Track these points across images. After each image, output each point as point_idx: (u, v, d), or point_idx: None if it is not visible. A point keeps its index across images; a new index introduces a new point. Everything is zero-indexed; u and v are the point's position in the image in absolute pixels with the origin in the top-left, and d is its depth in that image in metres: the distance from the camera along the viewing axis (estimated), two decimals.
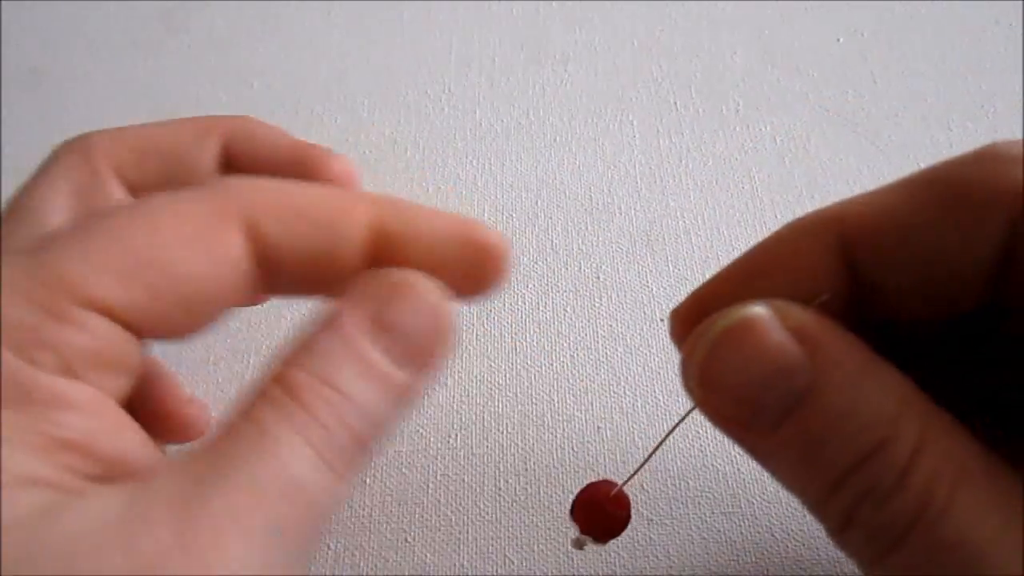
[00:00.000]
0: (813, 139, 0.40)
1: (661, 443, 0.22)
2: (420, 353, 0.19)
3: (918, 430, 0.17)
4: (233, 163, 0.28)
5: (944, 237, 0.18)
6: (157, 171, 0.27)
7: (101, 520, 0.15)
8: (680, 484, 0.29)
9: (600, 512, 0.23)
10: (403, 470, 0.30)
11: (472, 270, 0.20)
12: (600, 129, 0.42)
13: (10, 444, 0.15)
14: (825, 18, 0.46)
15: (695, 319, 0.19)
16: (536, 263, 0.36)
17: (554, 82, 0.44)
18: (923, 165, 0.19)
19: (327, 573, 0.28)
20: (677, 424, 0.21)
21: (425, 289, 0.19)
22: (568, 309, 0.35)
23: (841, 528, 0.18)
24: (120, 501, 0.15)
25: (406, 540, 0.29)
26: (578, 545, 0.23)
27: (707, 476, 0.29)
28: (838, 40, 0.45)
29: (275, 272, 0.19)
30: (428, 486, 0.30)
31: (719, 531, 0.28)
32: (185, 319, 0.18)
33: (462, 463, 0.31)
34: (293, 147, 0.28)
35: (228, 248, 0.18)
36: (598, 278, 0.36)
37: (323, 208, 0.19)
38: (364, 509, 0.30)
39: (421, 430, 0.31)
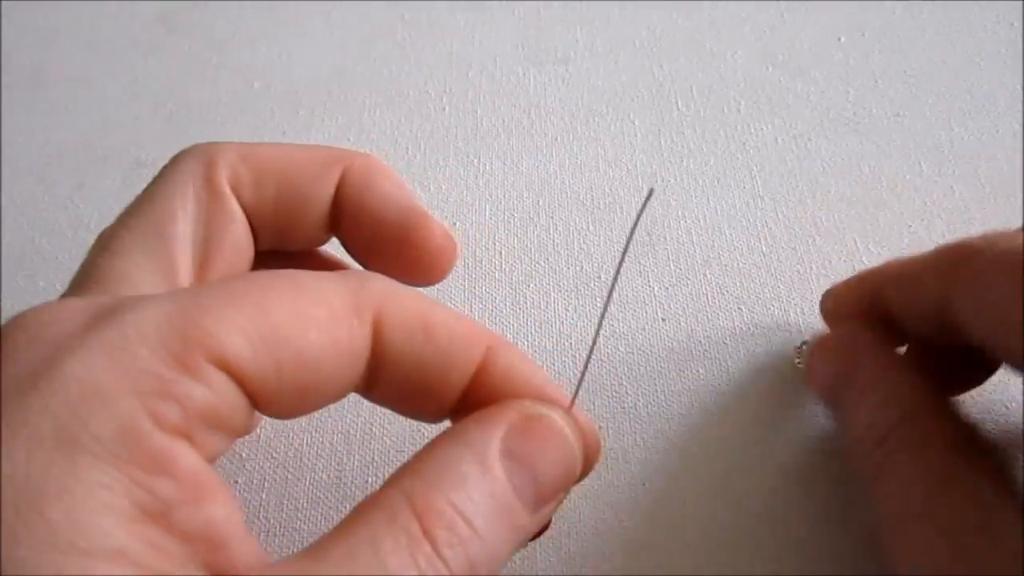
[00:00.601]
0: (814, 139, 0.40)
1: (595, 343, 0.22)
2: (551, 495, 0.19)
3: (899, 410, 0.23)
4: (342, 202, 0.26)
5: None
6: (274, 197, 0.25)
7: None
8: (682, 484, 0.29)
9: None
10: None
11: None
12: (601, 129, 0.42)
13: (106, 510, 0.15)
14: (827, 18, 0.46)
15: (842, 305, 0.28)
16: (537, 263, 0.36)
17: (555, 82, 0.44)
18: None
19: None
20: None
21: (563, 427, 0.19)
22: (570, 309, 0.35)
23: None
24: None
25: None
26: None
27: (708, 475, 0.29)
28: (839, 40, 0.45)
29: (382, 377, 0.19)
30: None
31: (721, 531, 0.28)
32: (297, 400, 0.18)
33: None
34: (404, 206, 0.26)
35: (357, 342, 0.19)
36: (600, 278, 0.36)
37: (449, 330, 0.20)
38: None
39: (423, 429, 0.31)
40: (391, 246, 0.26)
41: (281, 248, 0.27)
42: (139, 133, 0.43)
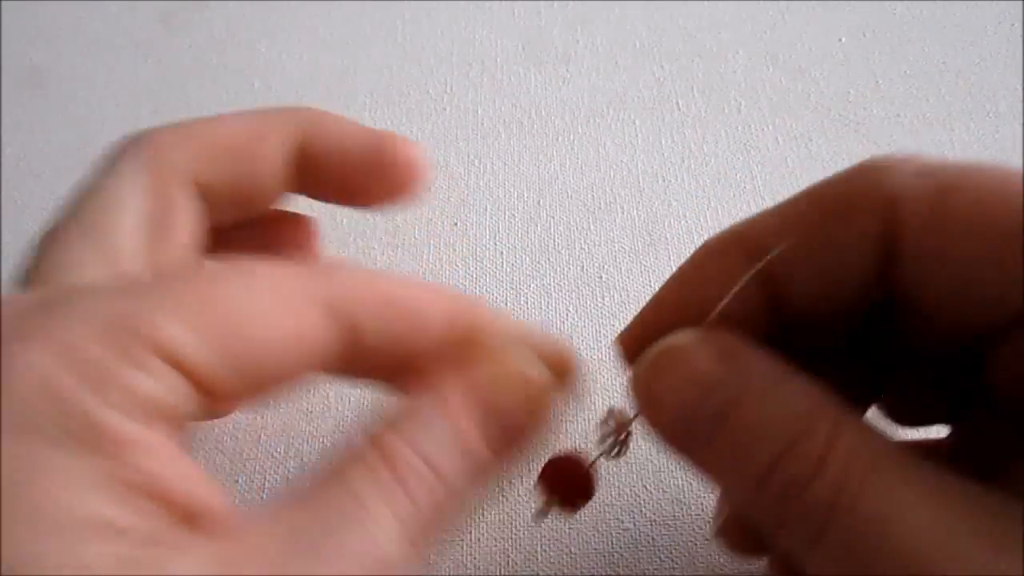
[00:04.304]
0: (815, 139, 0.40)
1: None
2: (514, 437, 0.19)
3: (830, 425, 0.18)
4: (306, 159, 0.27)
5: (829, 247, 0.20)
6: (230, 172, 0.25)
7: None
8: (683, 485, 0.29)
9: (569, 473, 0.23)
10: None
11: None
12: (602, 129, 0.42)
13: (83, 487, 0.15)
14: (827, 18, 0.46)
15: (637, 344, 0.21)
16: (538, 263, 0.36)
17: (556, 82, 0.44)
18: None
19: None
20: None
21: (529, 374, 0.20)
22: (571, 309, 0.35)
23: (776, 525, 0.18)
24: (214, 561, 0.15)
25: None
26: (541, 516, 0.22)
27: None
28: (840, 40, 0.45)
29: (358, 361, 0.19)
30: None
31: None
32: (249, 390, 0.18)
33: None
34: (364, 137, 0.27)
35: (317, 332, 0.18)
36: (600, 278, 0.36)
37: (419, 305, 0.20)
38: None
39: None
40: (361, 175, 0.26)
41: (243, 217, 0.27)
42: None
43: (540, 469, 0.23)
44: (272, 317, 0.18)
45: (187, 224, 0.25)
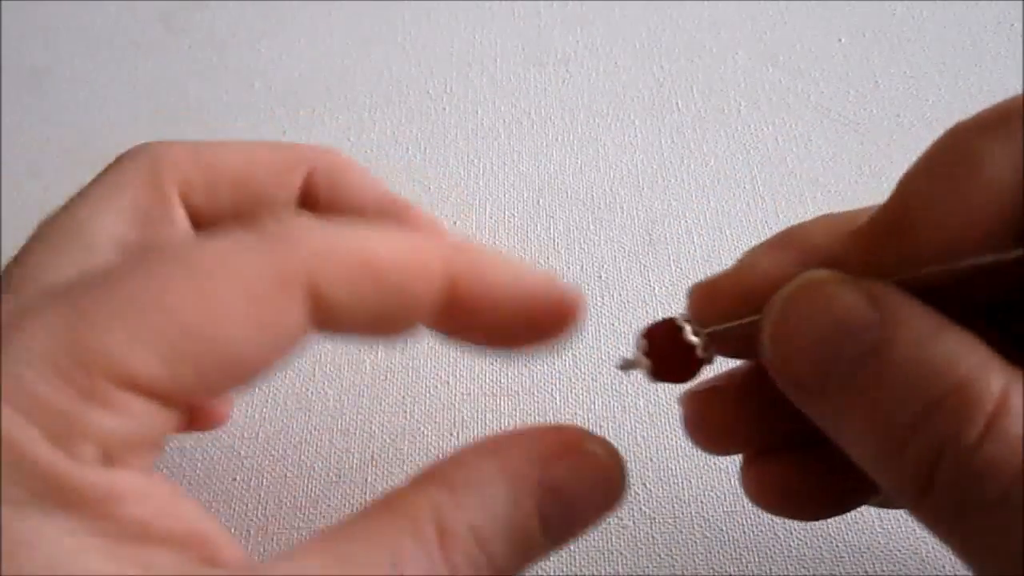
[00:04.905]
0: (815, 139, 0.40)
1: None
2: (575, 527, 0.18)
3: (1003, 382, 0.15)
4: (313, 204, 0.24)
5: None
6: (230, 201, 0.23)
7: None
8: (683, 483, 0.29)
9: (680, 345, 0.20)
10: (404, 468, 0.30)
11: (545, 325, 0.19)
12: (602, 129, 0.42)
13: (74, 553, 0.14)
14: (827, 19, 0.46)
15: (714, 296, 0.20)
16: (538, 262, 0.36)
17: (555, 82, 0.44)
18: None
19: None
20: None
21: (605, 461, 0.18)
22: None
23: (922, 491, 0.16)
24: None
25: None
26: (627, 365, 0.20)
27: (710, 475, 0.29)
28: (840, 41, 0.45)
29: (331, 327, 0.17)
30: None
31: (722, 530, 0.28)
32: (222, 388, 0.17)
33: None
34: (379, 199, 0.25)
35: (286, 317, 0.16)
36: (600, 277, 0.36)
37: (395, 266, 0.17)
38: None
39: (422, 428, 0.31)
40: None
41: None
42: (139, 133, 0.43)
43: (650, 327, 0.20)
44: (228, 309, 0.16)
45: (182, 222, 0.24)
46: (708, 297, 0.20)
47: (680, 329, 0.20)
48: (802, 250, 0.19)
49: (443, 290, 0.18)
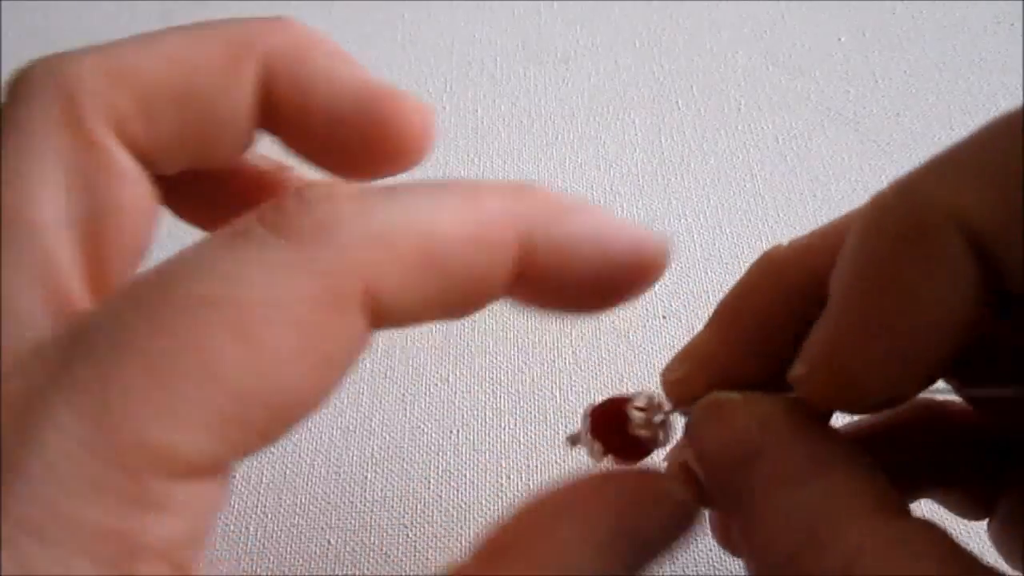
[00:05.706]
0: (815, 138, 0.40)
1: None
2: (654, 561, 0.17)
3: (858, 536, 0.15)
4: (275, 103, 0.19)
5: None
6: (174, 125, 0.18)
7: None
8: None
9: (617, 424, 0.20)
10: (404, 466, 0.30)
11: (632, 283, 0.17)
12: (602, 128, 0.42)
13: None
14: (827, 18, 0.46)
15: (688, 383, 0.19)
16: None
17: (555, 81, 0.44)
18: None
19: (328, 571, 0.28)
20: None
21: (679, 497, 0.17)
22: None
23: None
24: None
25: (407, 536, 0.29)
26: (573, 441, 0.20)
27: None
28: (840, 40, 0.45)
29: (390, 325, 0.15)
30: (429, 482, 0.30)
31: None
32: (282, 434, 0.15)
33: (464, 459, 0.30)
34: (357, 91, 0.20)
35: (345, 344, 0.14)
36: None
37: (462, 249, 0.15)
38: (365, 505, 0.29)
39: (422, 426, 0.31)
40: (348, 136, 0.20)
41: (196, 168, 0.20)
42: None
43: (595, 408, 0.20)
44: (280, 355, 0.14)
45: (134, 204, 0.18)
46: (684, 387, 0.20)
47: (627, 417, 0.19)
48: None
49: (517, 261, 0.16)
